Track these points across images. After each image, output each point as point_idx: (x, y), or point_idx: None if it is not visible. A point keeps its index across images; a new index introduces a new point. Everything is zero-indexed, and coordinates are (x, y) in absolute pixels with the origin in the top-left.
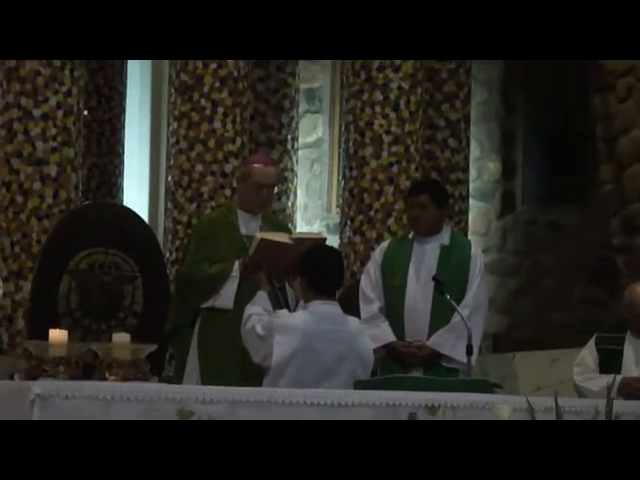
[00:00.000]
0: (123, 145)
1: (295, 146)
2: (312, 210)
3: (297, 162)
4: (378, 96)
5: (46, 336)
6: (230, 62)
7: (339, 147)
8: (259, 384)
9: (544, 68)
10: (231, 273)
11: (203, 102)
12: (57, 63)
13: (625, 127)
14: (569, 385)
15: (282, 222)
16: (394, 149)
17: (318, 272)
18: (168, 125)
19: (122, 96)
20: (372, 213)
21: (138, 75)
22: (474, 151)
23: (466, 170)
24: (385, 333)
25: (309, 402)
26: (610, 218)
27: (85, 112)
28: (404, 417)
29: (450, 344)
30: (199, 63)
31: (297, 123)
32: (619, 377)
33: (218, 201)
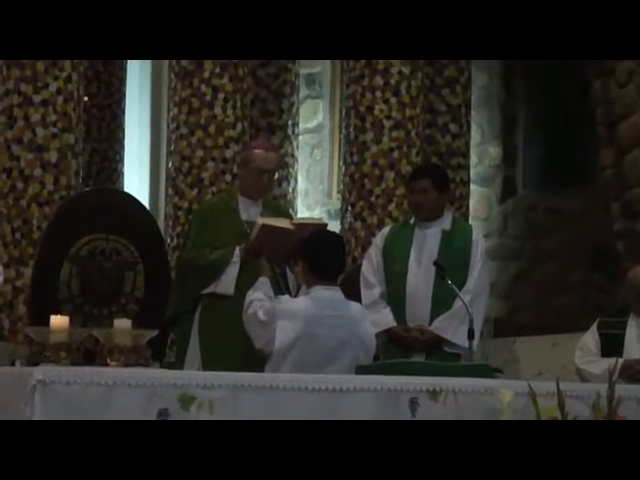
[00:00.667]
0: (123, 131)
1: (296, 131)
2: (313, 196)
3: (298, 147)
4: (379, 81)
5: (47, 322)
6: None
7: (340, 132)
8: (260, 369)
9: None
10: (232, 259)
11: (203, 88)
12: None
13: (625, 112)
14: (570, 370)
15: (283, 208)
16: (395, 134)
17: (320, 257)
18: (168, 111)
19: (122, 82)
20: (373, 198)
21: (138, 61)
22: (475, 136)
23: (467, 155)
24: (386, 318)
25: (310, 387)
26: (611, 203)
27: (85, 98)
28: (406, 402)
29: (452, 329)
30: None
31: (297, 108)
32: (621, 360)
33: (219, 187)
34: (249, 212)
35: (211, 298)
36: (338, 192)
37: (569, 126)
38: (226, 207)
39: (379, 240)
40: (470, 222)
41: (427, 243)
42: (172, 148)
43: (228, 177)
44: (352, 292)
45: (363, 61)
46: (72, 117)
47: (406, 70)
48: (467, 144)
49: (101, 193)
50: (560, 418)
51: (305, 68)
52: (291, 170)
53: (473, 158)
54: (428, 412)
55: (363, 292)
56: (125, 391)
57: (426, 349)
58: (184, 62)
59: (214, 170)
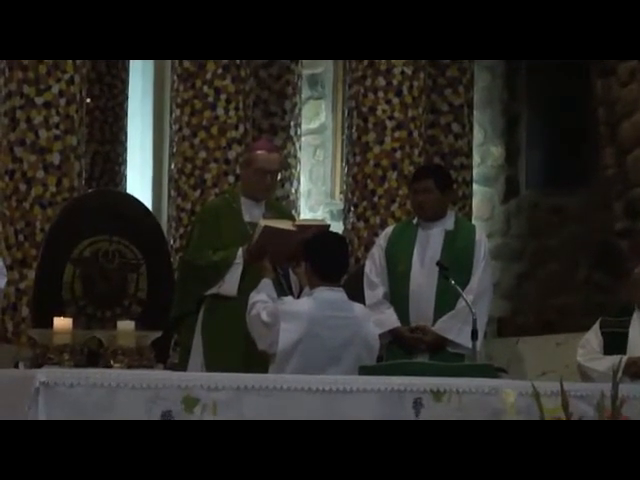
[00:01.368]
0: (126, 133)
1: (298, 132)
2: (316, 196)
3: (300, 148)
4: (381, 81)
5: (50, 324)
6: None
7: (342, 133)
8: (264, 371)
9: None
10: (235, 260)
11: (206, 89)
12: None
13: (627, 111)
14: (574, 369)
15: (286, 209)
16: (397, 134)
17: (323, 258)
18: (171, 112)
19: (125, 84)
20: (376, 199)
21: (140, 62)
22: (477, 136)
23: (469, 155)
24: (390, 319)
25: (314, 388)
26: (613, 202)
27: (88, 100)
28: (409, 403)
29: (455, 329)
30: None
31: (300, 109)
32: (625, 357)
33: (221, 188)
34: (252, 213)
35: (214, 299)
36: (341, 193)
37: (571, 126)
38: (229, 208)
39: (382, 240)
40: (473, 222)
41: (430, 243)
42: (175, 149)
43: (231, 178)
44: (355, 293)
45: (365, 62)
46: (75, 119)
47: (408, 70)
48: (470, 144)
49: (104, 195)
50: (564, 418)
51: (307, 69)
52: (294, 171)
53: (476, 158)
54: (432, 412)
55: (366, 292)
56: (128, 393)
57: (430, 349)
58: (186, 64)
59: (217, 171)
